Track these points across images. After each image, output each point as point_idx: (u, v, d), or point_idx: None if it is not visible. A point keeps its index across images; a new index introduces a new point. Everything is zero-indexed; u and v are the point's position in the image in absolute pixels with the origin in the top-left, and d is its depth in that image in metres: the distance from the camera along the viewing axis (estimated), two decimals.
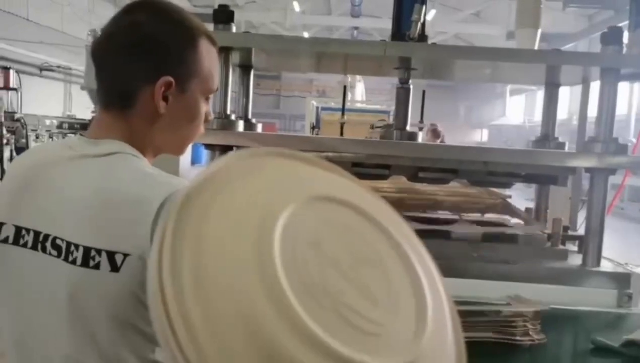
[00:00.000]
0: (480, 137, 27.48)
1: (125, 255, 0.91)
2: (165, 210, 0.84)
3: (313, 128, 6.64)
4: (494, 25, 18.56)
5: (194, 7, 19.68)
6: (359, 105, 9.30)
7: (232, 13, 1.66)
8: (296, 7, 18.71)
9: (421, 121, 2.58)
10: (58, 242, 0.95)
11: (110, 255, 0.92)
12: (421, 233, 1.78)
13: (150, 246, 0.87)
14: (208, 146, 1.69)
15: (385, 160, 1.78)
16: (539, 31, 1.75)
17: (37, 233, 0.97)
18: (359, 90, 10.61)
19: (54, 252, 0.95)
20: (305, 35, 21.72)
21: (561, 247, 1.81)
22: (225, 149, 1.70)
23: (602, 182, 1.65)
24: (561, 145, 2.03)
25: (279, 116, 29.94)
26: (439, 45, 1.71)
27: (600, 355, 1.28)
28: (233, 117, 1.72)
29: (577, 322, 1.51)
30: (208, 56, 1.05)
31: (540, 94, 2.06)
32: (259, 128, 2.13)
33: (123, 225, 0.93)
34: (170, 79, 1.01)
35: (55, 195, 0.97)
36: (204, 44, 1.04)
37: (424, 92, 2.41)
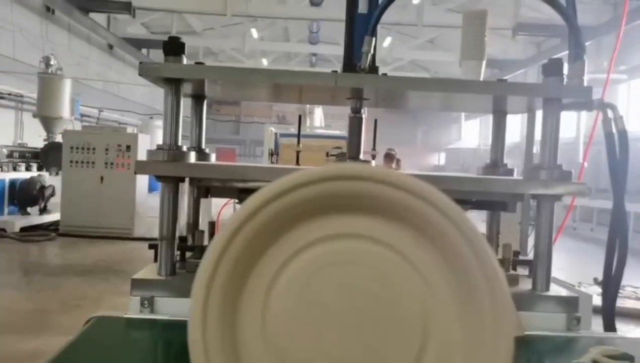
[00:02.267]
0: (437, 160, 28.09)
1: None
2: None
3: (272, 154, 6.64)
4: (448, 51, 19.16)
5: (152, 33, 19.59)
6: (318, 130, 9.38)
7: (182, 45, 1.66)
8: (254, 33, 18.85)
9: (373, 149, 2.62)
10: None
11: None
12: None
13: None
14: (159, 178, 1.66)
15: None
16: (484, 62, 1.82)
17: None
18: (318, 116, 10.72)
19: None
20: (264, 61, 21.90)
21: (512, 272, 1.84)
22: (176, 180, 1.68)
23: (549, 208, 1.70)
24: (510, 172, 2.08)
25: (239, 142, 29.88)
26: (389, 76, 1.74)
27: None
28: (184, 148, 1.70)
29: (528, 347, 1.53)
30: None
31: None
32: (213, 158, 2.11)
33: None
34: None
35: None
36: None
37: (375, 121, 2.45)
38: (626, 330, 6.44)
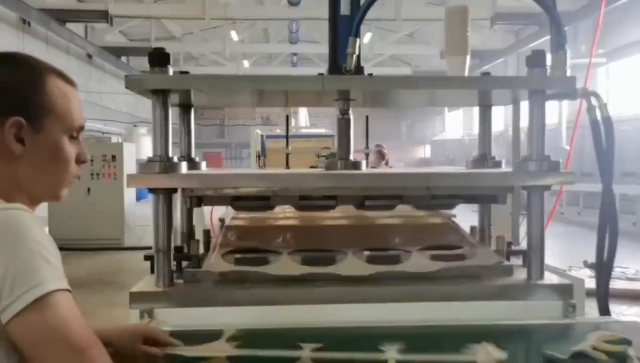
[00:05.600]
0: (423, 153, 28.21)
1: None
2: None
3: (259, 157, 6.62)
4: (428, 45, 19.23)
5: (130, 41, 19.44)
6: (303, 130, 9.38)
7: (167, 55, 1.65)
8: (234, 36, 18.75)
9: (367, 147, 2.63)
10: None
11: None
12: (371, 259, 1.80)
13: None
14: (152, 190, 1.65)
15: (332, 191, 1.81)
16: (468, 57, 1.83)
17: None
18: (303, 116, 10.71)
19: None
20: (246, 63, 21.80)
21: (506, 262, 1.87)
22: (169, 191, 1.67)
23: (539, 198, 1.73)
24: (498, 164, 2.11)
25: (224, 145, 29.73)
26: (375, 76, 1.75)
27: None
28: (175, 159, 1.69)
29: (527, 336, 1.55)
30: (61, 94, 1.05)
31: (476, 109, 2.17)
32: (204, 165, 2.11)
33: None
34: (20, 119, 1.01)
35: None
36: (55, 82, 1.05)
37: (367, 117, 2.45)
38: (619, 311, 6.52)
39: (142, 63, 20.82)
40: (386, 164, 8.55)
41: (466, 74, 1.86)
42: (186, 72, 1.85)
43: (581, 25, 14.74)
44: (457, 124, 26.07)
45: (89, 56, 17.01)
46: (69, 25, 14.15)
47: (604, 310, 1.87)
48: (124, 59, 18.93)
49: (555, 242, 11.49)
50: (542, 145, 1.72)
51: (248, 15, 15.90)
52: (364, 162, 1.89)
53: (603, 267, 1.85)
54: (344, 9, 1.88)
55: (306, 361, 1.31)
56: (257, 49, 21.77)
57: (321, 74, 1.81)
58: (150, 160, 1.65)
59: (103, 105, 17.77)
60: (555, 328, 1.60)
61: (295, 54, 22.60)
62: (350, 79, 1.73)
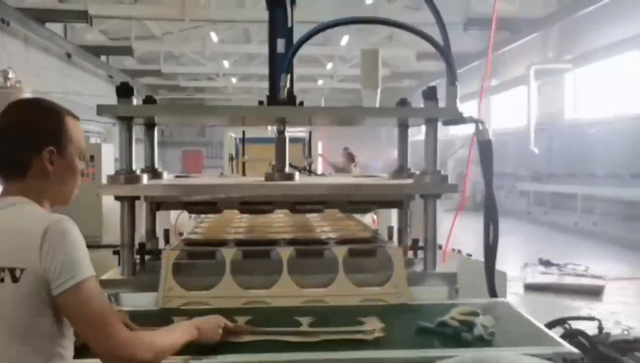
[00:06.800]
0: None
1: (22, 270, 1.34)
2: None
3: (232, 159, 6.96)
4: (405, 48, 19.69)
5: (111, 40, 19.60)
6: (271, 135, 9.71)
7: (131, 88, 2.04)
8: (214, 37, 19.04)
9: (309, 156, 3.04)
10: None
11: (11, 270, 1.34)
12: (299, 254, 2.24)
13: (39, 264, 1.30)
14: (117, 198, 2.05)
15: (269, 198, 2.22)
16: (379, 90, 2.25)
17: None
18: None
19: None
20: (226, 63, 22.10)
21: (410, 256, 2.30)
22: (132, 199, 2.07)
23: (432, 204, 2.16)
24: (412, 176, 2.53)
25: (205, 144, 30.00)
26: (304, 107, 2.16)
27: (420, 334, 1.75)
28: (138, 171, 2.09)
29: (415, 313, 1.97)
30: (74, 127, 1.52)
31: None
32: (165, 175, 2.50)
33: (17, 249, 1.35)
34: (52, 148, 1.46)
35: None
36: (69, 119, 1.51)
37: (310, 133, 2.87)
38: (566, 304, 7.03)
39: (121, 62, 20.98)
40: (355, 166, 8.96)
41: (377, 104, 2.28)
42: (151, 97, 2.25)
43: (550, 32, 15.31)
44: None
45: (69, 55, 17.13)
46: (48, 24, 14.28)
47: (492, 293, 2.30)
48: (103, 58, 19.07)
49: (519, 240, 12.01)
50: (435, 161, 2.14)
51: (228, 17, 16.17)
52: (297, 174, 2.29)
53: (489, 256, 2.28)
54: (280, 48, 2.29)
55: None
56: (237, 50, 22.02)
57: (261, 102, 2.22)
58: (117, 172, 2.04)
59: (83, 104, 17.93)
60: (438, 307, 2.02)
61: None
62: (282, 109, 2.14)
